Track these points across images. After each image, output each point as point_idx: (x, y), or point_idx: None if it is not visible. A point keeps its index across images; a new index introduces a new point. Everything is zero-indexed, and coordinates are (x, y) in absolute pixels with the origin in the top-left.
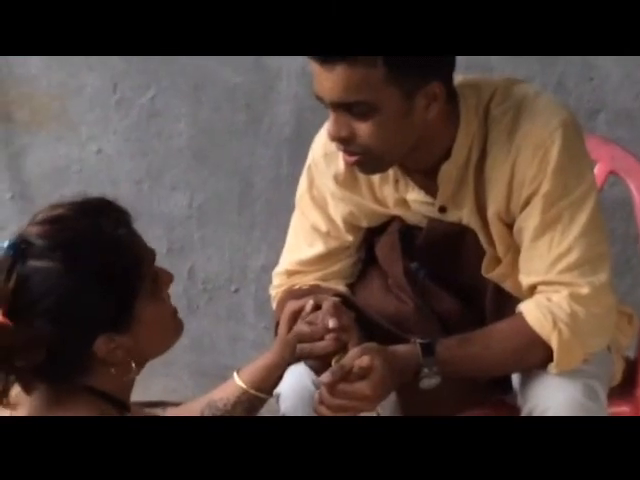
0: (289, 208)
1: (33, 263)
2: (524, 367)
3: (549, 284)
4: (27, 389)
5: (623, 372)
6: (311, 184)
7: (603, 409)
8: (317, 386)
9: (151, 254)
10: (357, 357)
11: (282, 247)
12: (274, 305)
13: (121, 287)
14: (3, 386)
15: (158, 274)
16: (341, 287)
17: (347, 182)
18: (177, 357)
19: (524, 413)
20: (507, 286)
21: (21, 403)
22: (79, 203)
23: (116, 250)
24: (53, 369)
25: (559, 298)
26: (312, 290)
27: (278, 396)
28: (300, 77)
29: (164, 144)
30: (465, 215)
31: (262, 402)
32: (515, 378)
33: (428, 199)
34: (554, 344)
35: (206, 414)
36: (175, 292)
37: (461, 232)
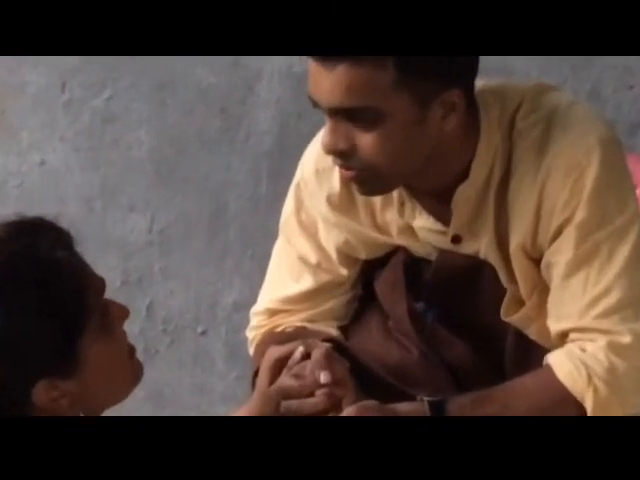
0: (270, 234)
1: None
2: None
3: (583, 331)
4: None
5: None
6: (299, 206)
7: None
8: None
9: (99, 283)
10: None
11: (260, 281)
12: (251, 350)
13: (63, 322)
14: None
15: (109, 307)
16: (333, 330)
17: (343, 205)
18: (131, 411)
19: None
20: (532, 332)
21: None
22: (13, 224)
23: (55, 277)
24: None
25: (595, 348)
26: (298, 333)
27: None
28: (285, 78)
29: (121, 155)
30: (483, 247)
31: None
32: None
33: (439, 227)
34: (588, 403)
35: None
36: (130, 333)
37: (478, 267)
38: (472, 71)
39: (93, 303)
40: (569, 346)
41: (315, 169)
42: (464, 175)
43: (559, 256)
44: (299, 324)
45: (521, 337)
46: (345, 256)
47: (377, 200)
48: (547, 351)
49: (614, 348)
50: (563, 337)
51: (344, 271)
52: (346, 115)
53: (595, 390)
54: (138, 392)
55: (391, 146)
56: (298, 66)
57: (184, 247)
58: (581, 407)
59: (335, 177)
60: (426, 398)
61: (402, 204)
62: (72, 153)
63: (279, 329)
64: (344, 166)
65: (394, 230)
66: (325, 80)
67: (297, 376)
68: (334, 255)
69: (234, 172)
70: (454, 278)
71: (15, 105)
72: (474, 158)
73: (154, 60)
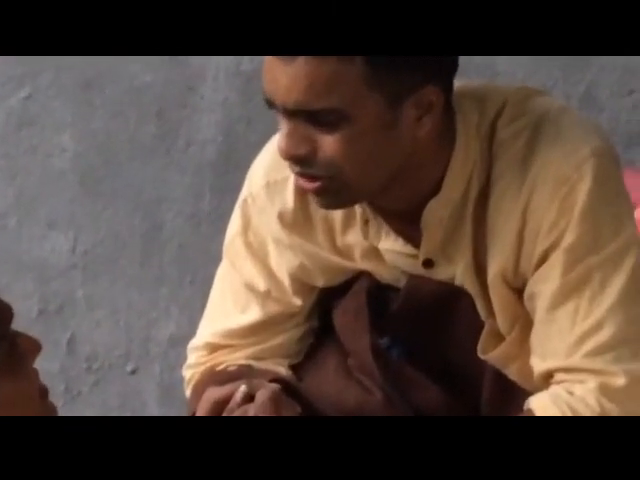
0: (212, 258)
1: None
2: None
3: (571, 371)
4: None
5: None
6: (246, 225)
7: None
8: None
9: (6, 311)
10: None
11: (200, 312)
12: (188, 392)
13: None
14: None
15: (17, 340)
16: (283, 369)
17: (297, 223)
18: None
19: None
20: (512, 372)
21: None
22: None
23: None
24: None
25: (585, 391)
26: (242, 372)
27: None
28: (232, 77)
29: (40, 164)
30: (459, 273)
31: None
32: None
33: (409, 249)
34: None
35: None
36: (48, 371)
37: (453, 295)
38: (452, 67)
39: None
40: (555, 388)
41: (266, 182)
42: (437, 191)
43: (544, 285)
44: (243, 362)
45: (500, 378)
46: (299, 283)
47: (337, 218)
48: (529, 394)
49: (606, 391)
50: (548, 378)
51: (298, 301)
52: (306, 116)
53: None
54: None
55: (357, 151)
56: (248, 63)
57: (112, 271)
58: None
59: (289, 191)
60: None
61: (366, 223)
62: None
63: (220, 367)
64: (304, 176)
65: (357, 253)
66: (283, 75)
67: None
68: (287, 282)
69: (171, 185)
70: (425, 308)
71: None
72: (448, 170)
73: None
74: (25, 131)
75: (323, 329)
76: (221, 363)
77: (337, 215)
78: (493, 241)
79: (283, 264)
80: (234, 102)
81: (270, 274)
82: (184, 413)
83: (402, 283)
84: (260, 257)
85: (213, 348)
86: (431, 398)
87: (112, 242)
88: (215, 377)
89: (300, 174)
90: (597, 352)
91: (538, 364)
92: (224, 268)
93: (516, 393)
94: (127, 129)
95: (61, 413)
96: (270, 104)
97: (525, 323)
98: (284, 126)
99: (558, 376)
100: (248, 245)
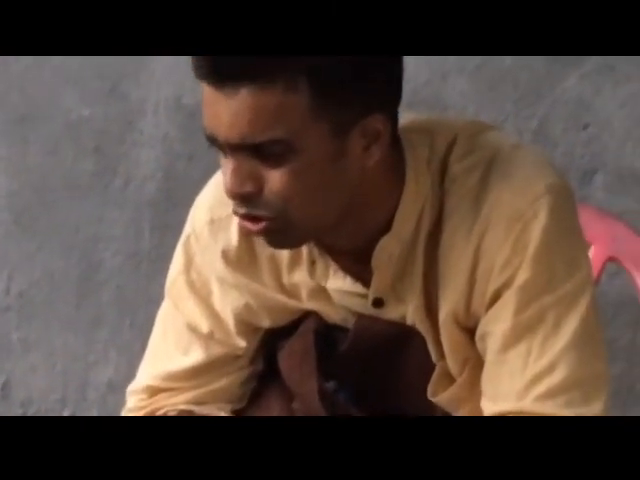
0: (153, 299)
1: None
2: None
3: (522, 415)
4: None
5: None
6: (189, 264)
7: None
8: None
9: None
10: None
11: (140, 355)
12: None
13: None
14: None
15: None
16: (225, 414)
17: (242, 261)
18: None
19: None
20: (462, 415)
21: None
22: None
23: None
24: None
25: None
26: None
27: None
28: (173, 111)
29: None
30: (410, 312)
31: None
32: None
33: (358, 288)
34: None
35: None
36: None
37: (403, 336)
38: (396, 95)
39: None
40: None
41: (209, 219)
42: (387, 228)
43: (496, 325)
44: (184, 407)
45: None
46: (244, 324)
47: (284, 257)
48: None
49: None
50: None
51: (242, 342)
52: (252, 150)
53: None
54: None
55: (305, 184)
56: (189, 97)
57: (48, 313)
58: None
59: (233, 228)
60: None
61: (313, 262)
62: None
63: (161, 412)
64: (249, 217)
65: (303, 293)
66: (224, 110)
67: None
68: (231, 322)
69: (110, 224)
70: (375, 349)
71: None
72: (398, 207)
73: (13, 84)
74: None
75: (267, 372)
76: (161, 407)
77: (283, 254)
78: (445, 280)
79: (227, 304)
80: (175, 137)
81: (213, 314)
82: None
83: (351, 323)
84: (203, 297)
85: (153, 391)
86: None
87: (48, 283)
88: None
89: (244, 216)
90: (548, 396)
91: (489, 407)
92: (166, 308)
93: None
94: (63, 165)
95: None
96: (212, 141)
97: (476, 364)
98: (229, 164)
99: None
100: (191, 284)
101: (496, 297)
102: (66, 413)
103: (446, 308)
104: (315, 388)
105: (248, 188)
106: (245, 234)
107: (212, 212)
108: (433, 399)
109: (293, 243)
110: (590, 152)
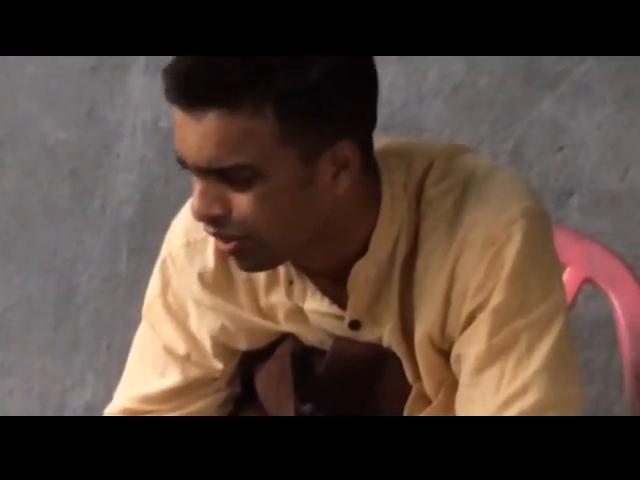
0: (130, 322)
1: None
2: None
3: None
4: None
5: None
6: (165, 287)
7: None
8: None
9: None
10: None
11: (117, 378)
12: None
13: None
14: None
15: None
16: None
17: (219, 283)
18: None
19: None
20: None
21: None
22: None
23: None
24: None
25: None
26: None
27: None
28: (150, 134)
29: None
30: (386, 334)
31: None
32: None
33: (335, 310)
34: None
35: None
36: None
37: (380, 358)
38: (366, 120)
39: None
40: None
41: (185, 241)
42: (363, 251)
43: (470, 347)
44: None
45: None
46: (221, 346)
47: (261, 279)
48: None
49: None
50: None
51: (219, 364)
52: (219, 174)
53: None
54: None
55: (273, 209)
56: (166, 120)
57: (25, 336)
58: None
59: (209, 250)
60: None
61: (290, 283)
62: None
63: None
64: (219, 236)
65: (281, 314)
66: (192, 133)
67: None
68: (207, 345)
69: (87, 247)
70: (351, 371)
71: None
72: (374, 230)
73: None
74: None
75: (244, 395)
76: None
77: (260, 275)
78: (420, 302)
79: (204, 326)
80: (152, 160)
81: (190, 337)
82: None
83: (328, 345)
84: (180, 319)
85: (130, 413)
86: None
87: (25, 306)
88: None
89: (214, 234)
90: None
91: None
92: (143, 331)
93: None
94: (40, 189)
95: None
96: (182, 163)
97: (452, 386)
98: (197, 185)
99: None
100: (167, 307)
101: (470, 319)
102: None
103: (421, 330)
104: (292, 411)
105: (216, 211)
106: (221, 255)
107: (188, 235)
108: None
109: (265, 264)
110: (566, 174)
